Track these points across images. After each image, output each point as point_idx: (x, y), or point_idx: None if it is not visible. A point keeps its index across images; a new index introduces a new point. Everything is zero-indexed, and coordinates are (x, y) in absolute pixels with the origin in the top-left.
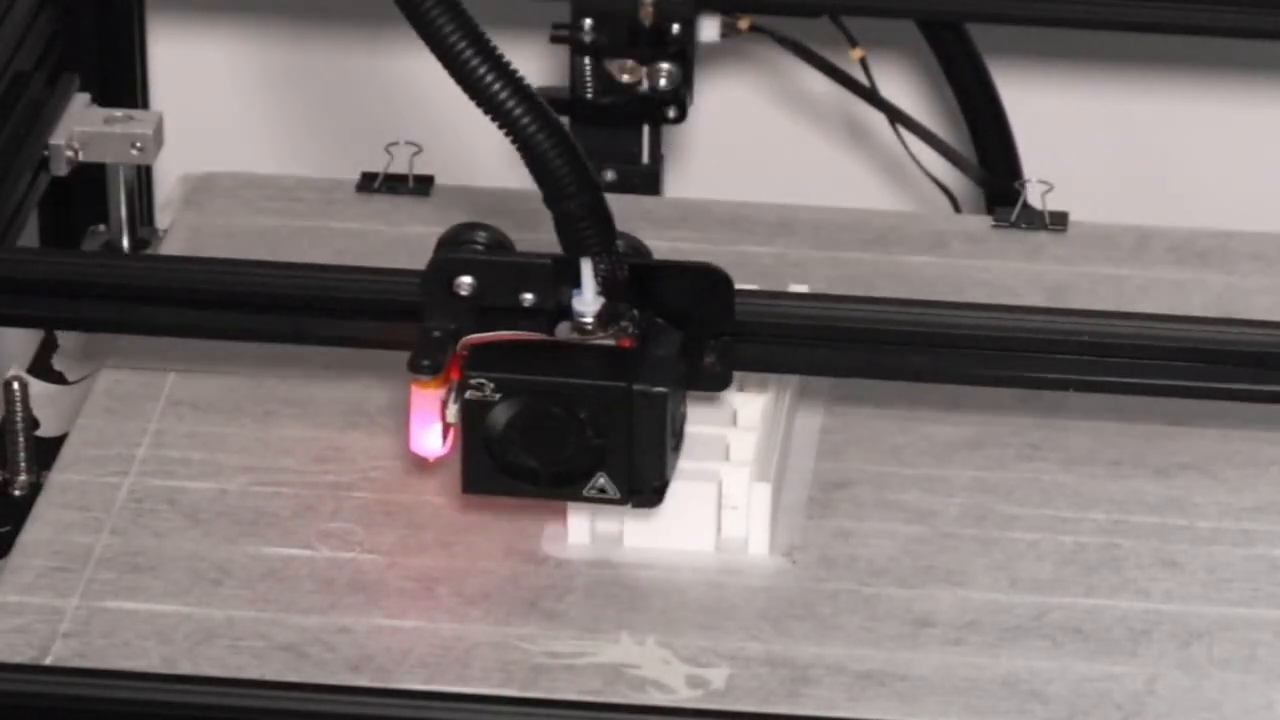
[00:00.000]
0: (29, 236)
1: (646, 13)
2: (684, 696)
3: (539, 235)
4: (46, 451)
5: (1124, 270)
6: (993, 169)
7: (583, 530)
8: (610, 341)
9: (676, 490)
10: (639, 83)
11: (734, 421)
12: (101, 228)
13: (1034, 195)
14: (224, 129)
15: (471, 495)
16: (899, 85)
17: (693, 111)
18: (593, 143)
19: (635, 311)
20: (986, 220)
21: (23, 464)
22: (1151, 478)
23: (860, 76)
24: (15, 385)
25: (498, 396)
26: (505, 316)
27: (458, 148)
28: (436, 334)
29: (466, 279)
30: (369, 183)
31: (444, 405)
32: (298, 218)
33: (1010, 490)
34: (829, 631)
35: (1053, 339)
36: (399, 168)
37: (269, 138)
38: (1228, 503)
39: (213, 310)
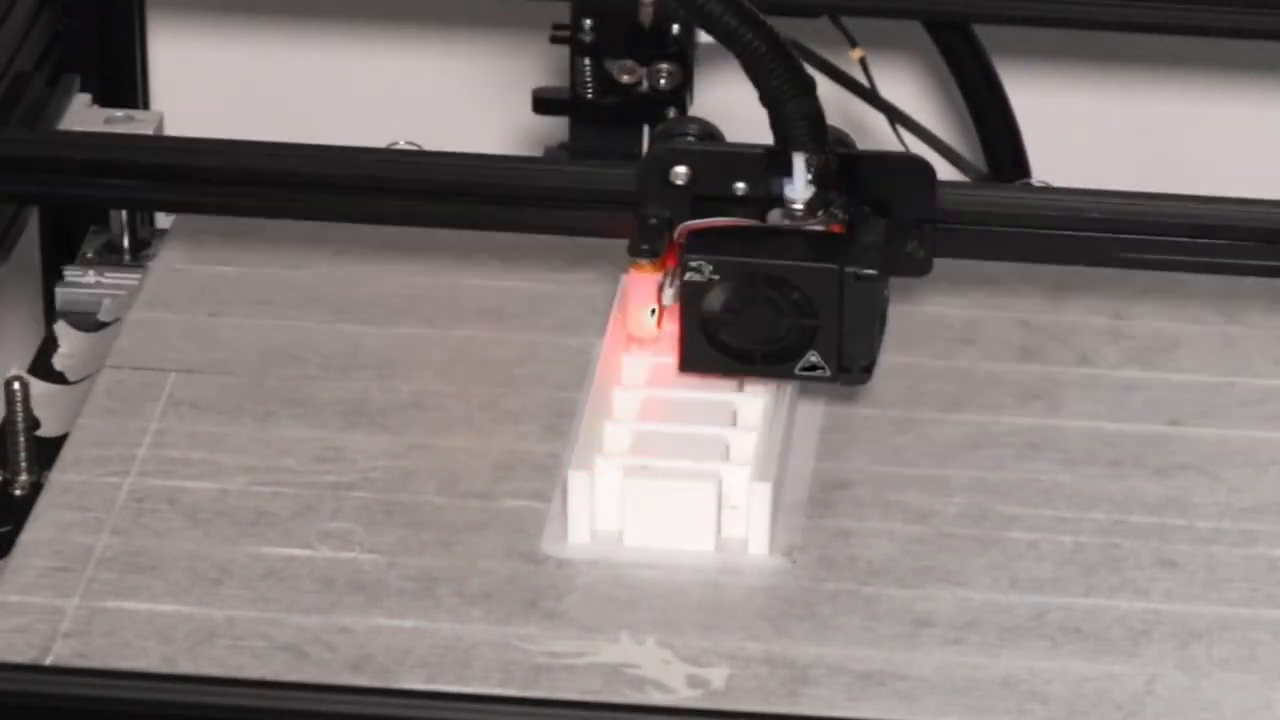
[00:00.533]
0: (29, 235)
1: (646, 13)
2: (684, 696)
3: (541, 236)
4: (47, 451)
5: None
6: (1001, 169)
7: (583, 530)
8: (820, 227)
9: (676, 490)
10: (639, 83)
11: (734, 421)
12: (102, 227)
13: None
14: (224, 129)
15: (688, 372)
16: (903, 86)
17: (692, 112)
18: (593, 143)
19: (843, 199)
20: None
21: (23, 464)
22: (1151, 478)
23: (860, 77)
24: (16, 385)
25: (715, 278)
26: (719, 205)
27: (458, 147)
28: (653, 221)
29: (682, 169)
30: None
31: (660, 289)
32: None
33: (1010, 490)
34: (829, 631)
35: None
36: None
37: (269, 138)
38: (1227, 503)
39: (433, 200)
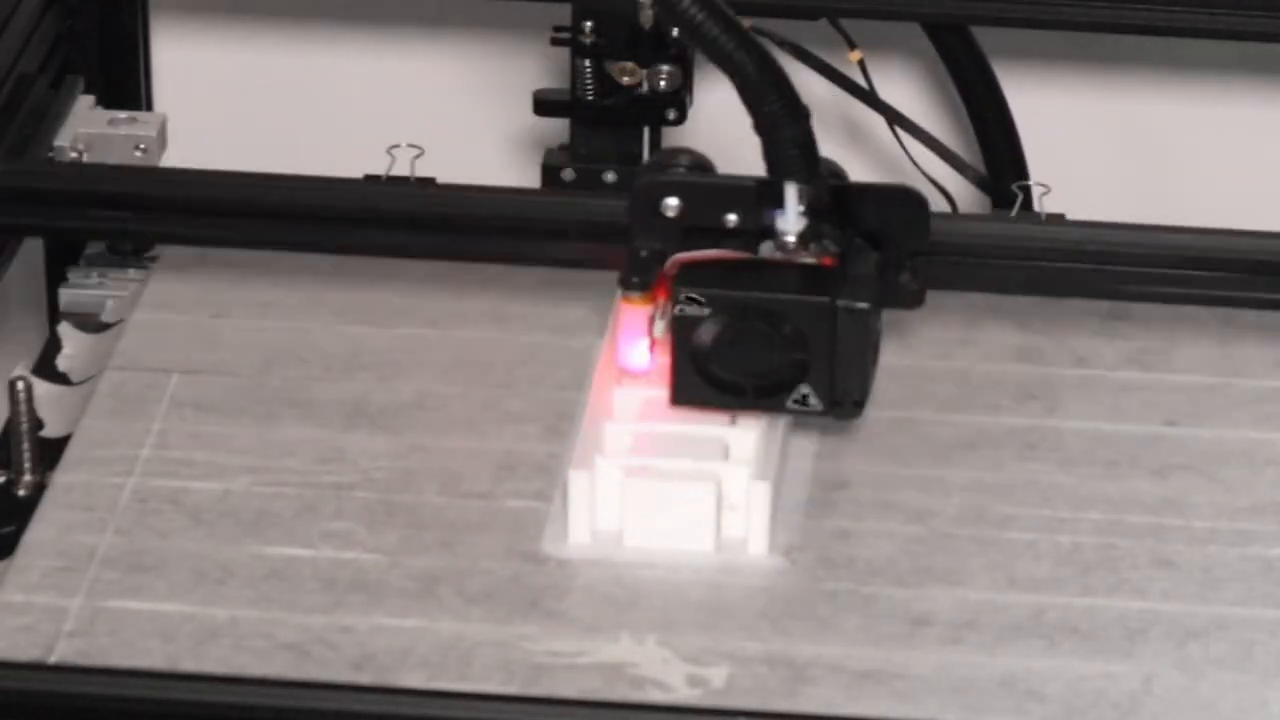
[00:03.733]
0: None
1: (647, 15)
2: (684, 695)
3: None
4: (51, 452)
5: None
6: (999, 172)
7: (583, 530)
8: (812, 260)
9: (676, 490)
10: (639, 85)
11: (734, 421)
12: None
13: (1033, 197)
14: (227, 131)
15: (679, 406)
16: (902, 88)
17: (692, 113)
18: (593, 144)
19: (835, 231)
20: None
21: (27, 464)
22: (1148, 478)
23: (859, 79)
24: (20, 386)
25: (706, 312)
26: (709, 237)
27: (459, 149)
28: (644, 253)
29: (673, 200)
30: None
31: (651, 321)
32: None
33: (1008, 490)
34: (828, 631)
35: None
36: (401, 170)
37: (272, 140)
38: (1223, 503)
39: (427, 233)
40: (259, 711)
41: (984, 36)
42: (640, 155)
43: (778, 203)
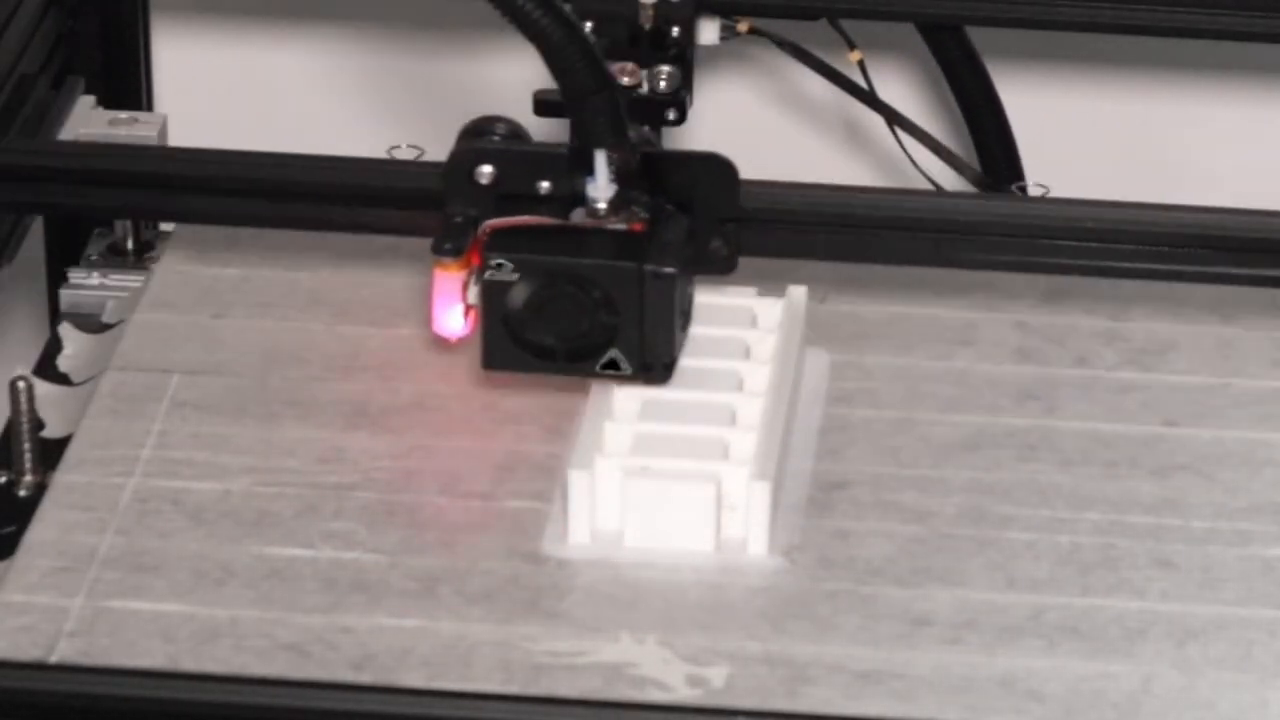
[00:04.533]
0: (34, 238)
1: (646, 16)
2: (683, 695)
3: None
4: (52, 452)
5: None
6: (994, 171)
7: (583, 530)
8: (622, 226)
9: (676, 490)
10: (639, 85)
11: (733, 421)
12: (106, 230)
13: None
14: (228, 131)
15: (491, 371)
16: (898, 88)
17: (692, 114)
18: None
19: (646, 198)
20: None
21: (28, 464)
22: (1147, 478)
23: (858, 79)
24: (21, 386)
25: (516, 276)
26: (523, 203)
27: None
28: (458, 220)
29: (487, 168)
30: None
31: (465, 287)
32: None
33: (1007, 490)
34: (827, 631)
35: (1053, 224)
36: None
37: (272, 140)
38: (1222, 503)
39: (241, 197)
40: (259, 711)
41: (979, 36)
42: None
43: (589, 170)
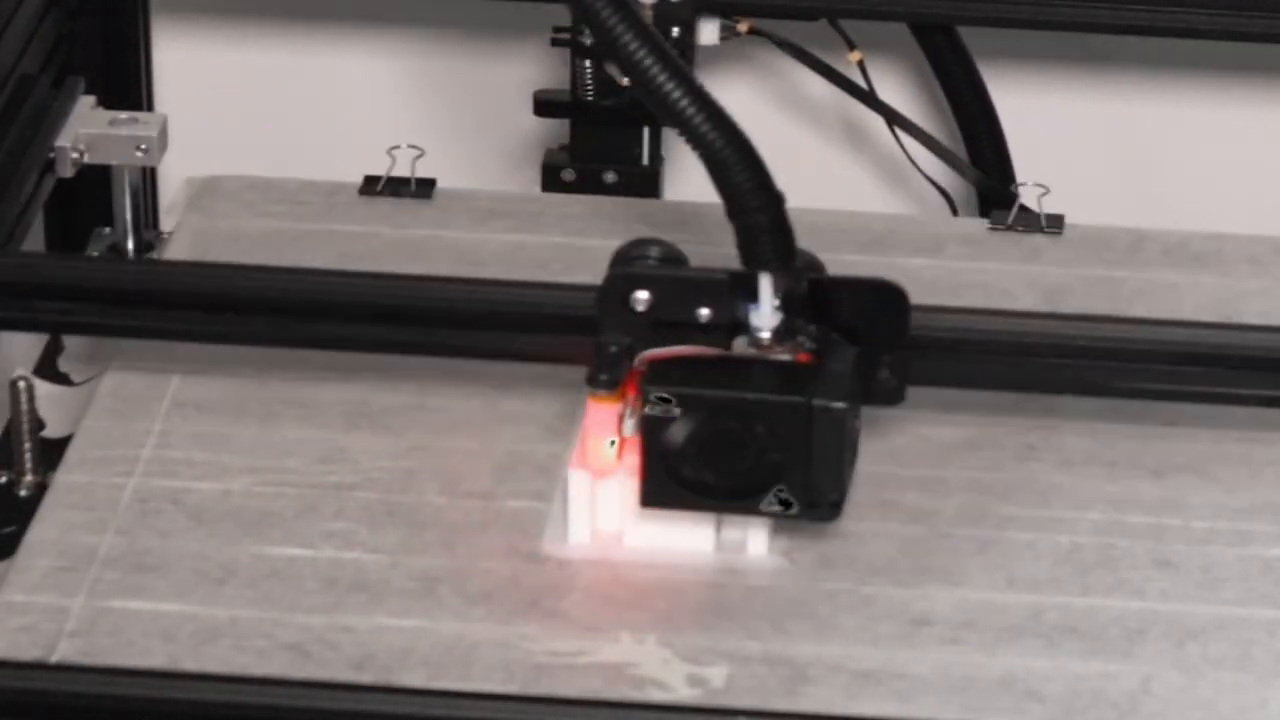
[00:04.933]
0: (34, 238)
1: (646, 15)
2: (683, 695)
3: (544, 237)
4: (52, 452)
5: (1119, 273)
6: (986, 172)
7: (583, 530)
8: (787, 356)
9: None
10: None
11: None
12: (106, 230)
13: (1030, 198)
14: (228, 132)
15: (648, 508)
16: (896, 88)
17: None
18: (593, 145)
19: (812, 326)
20: (983, 223)
21: (29, 464)
22: (1147, 478)
23: (858, 79)
24: (21, 386)
25: (677, 411)
26: (680, 331)
27: (460, 151)
28: (613, 349)
29: (643, 294)
30: (372, 186)
31: (620, 419)
32: (301, 220)
33: (1007, 491)
34: (827, 631)
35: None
36: (401, 171)
37: (273, 140)
38: (1222, 503)
39: (383, 325)
40: (260, 711)
41: (971, 37)
42: (640, 156)
43: (751, 296)
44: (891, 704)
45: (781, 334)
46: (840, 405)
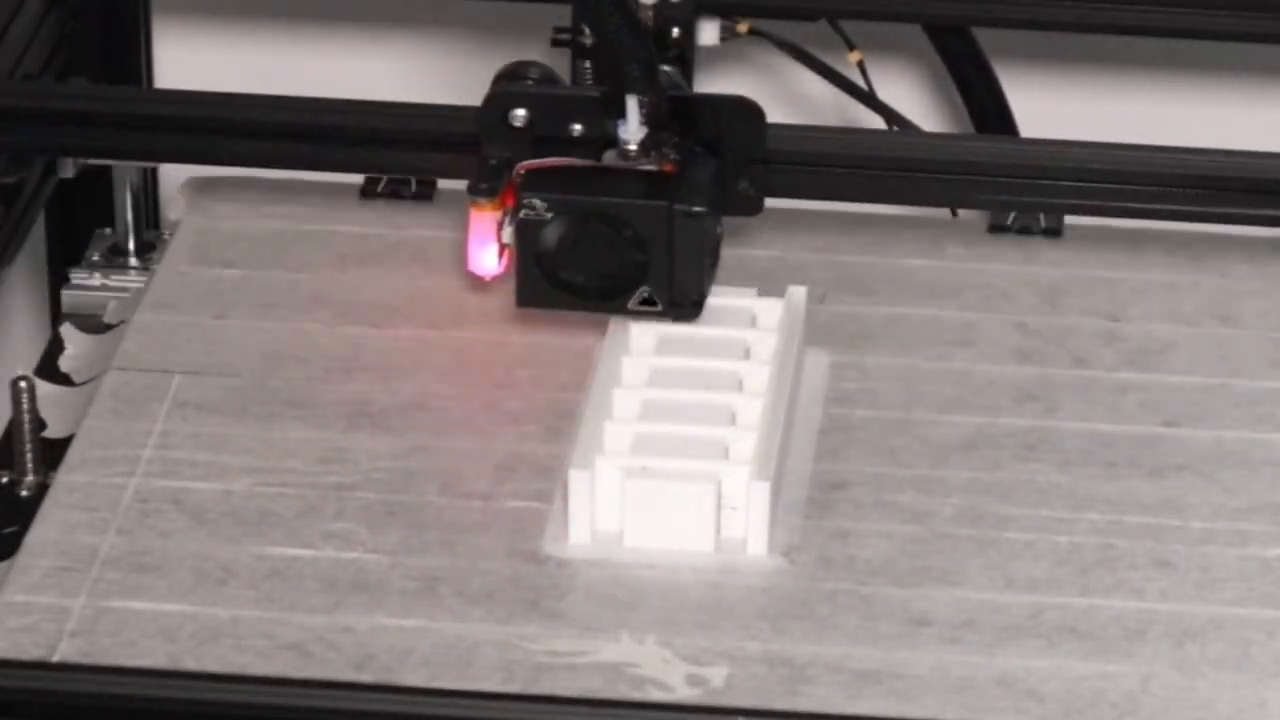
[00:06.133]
0: (35, 238)
1: (646, 16)
2: (683, 695)
3: None
4: (53, 452)
5: (1118, 273)
6: None
7: (583, 530)
8: (653, 167)
9: (676, 490)
10: None
11: (733, 422)
12: (107, 230)
13: None
14: None
15: (524, 307)
16: (898, 88)
17: None
18: None
19: (676, 140)
20: (982, 224)
21: (30, 464)
22: (1146, 478)
23: (858, 79)
24: (23, 386)
25: (550, 216)
26: (556, 146)
27: None
28: (493, 161)
29: (521, 111)
30: (372, 187)
31: (500, 227)
32: (302, 221)
33: (1006, 491)
34: (827, 631)
35: (1052, 167)
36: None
37: None
38: (1221, 503)
39: (280, 140)
40: (260, 711)
41: (985, 37)
42: None
43: (620, 113)
44: (891, 704)
45: (647, 147)
46: (699, 209)
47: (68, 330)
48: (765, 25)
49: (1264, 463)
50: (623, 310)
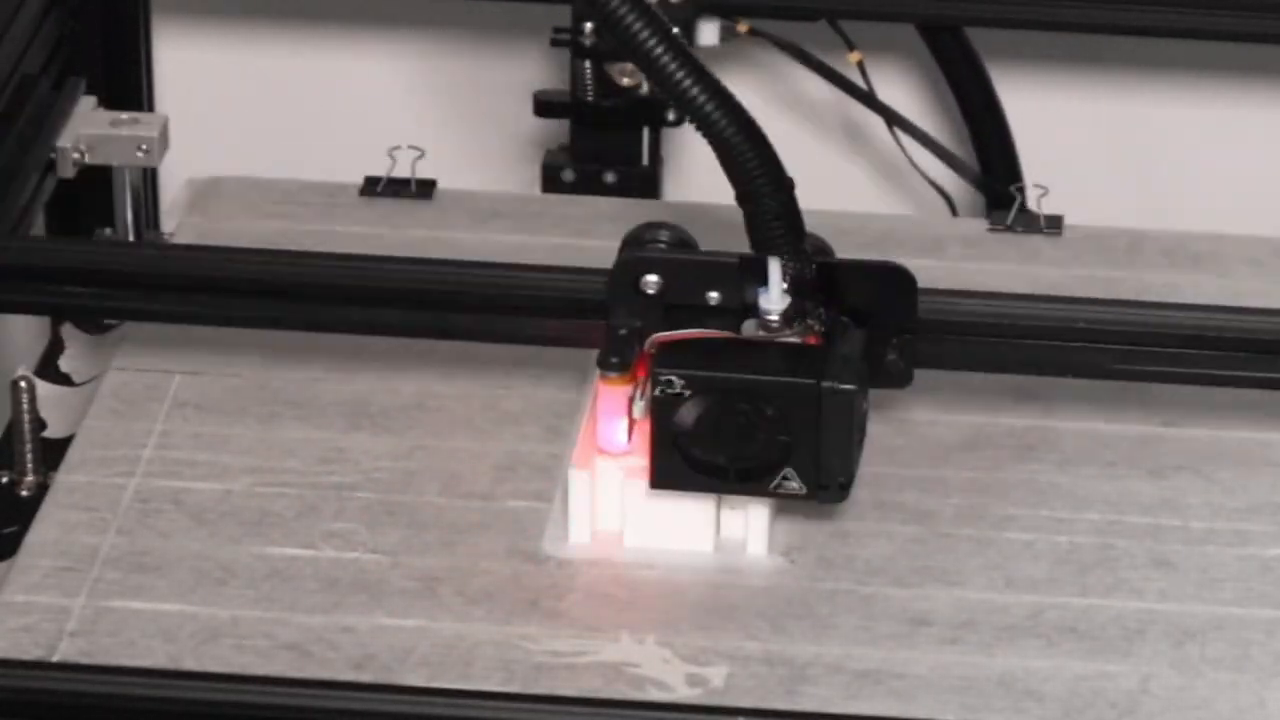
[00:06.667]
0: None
1: None
2: (683, 695)
3: (544, 238)
4: (53, 452)
5: (1118, 273)
6: (993, 173)
7: (583, 530)
8: (796, 339)
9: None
10: (639, 86)
11: None
12: (107, 231)
13: (1030, 199)
14: (229, 132)
15: (658, 489)
16: (898, 89)
17: None
18: (592, 145)
19: (820, 310)
20: (983, 223)
21: (30, 464)
22: (1145, 478)
23: (858, 80)
24: (23, 386)
25: (687, 393)
26: (691, 314)
27: (459, 150)
28: (623, 331)
29: (653, 277)
30: (372, 187)
31: (630, 401)
32: (302, 221)
33: (1006, 491)
34: (827, 631)
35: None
36: (401, 172)
37: (273, 141)
38: (1220, 503)
39: (394, 309)
40: (260, 711)
41: (979, 38)
42: (640, 156)
43: (761, 280)
44: (891, 704)
45: (790, 317)
46: (849, 387)
47: (68, 330)
48: (765, 25)
49: (1263, 463)
50: (764, 493)
